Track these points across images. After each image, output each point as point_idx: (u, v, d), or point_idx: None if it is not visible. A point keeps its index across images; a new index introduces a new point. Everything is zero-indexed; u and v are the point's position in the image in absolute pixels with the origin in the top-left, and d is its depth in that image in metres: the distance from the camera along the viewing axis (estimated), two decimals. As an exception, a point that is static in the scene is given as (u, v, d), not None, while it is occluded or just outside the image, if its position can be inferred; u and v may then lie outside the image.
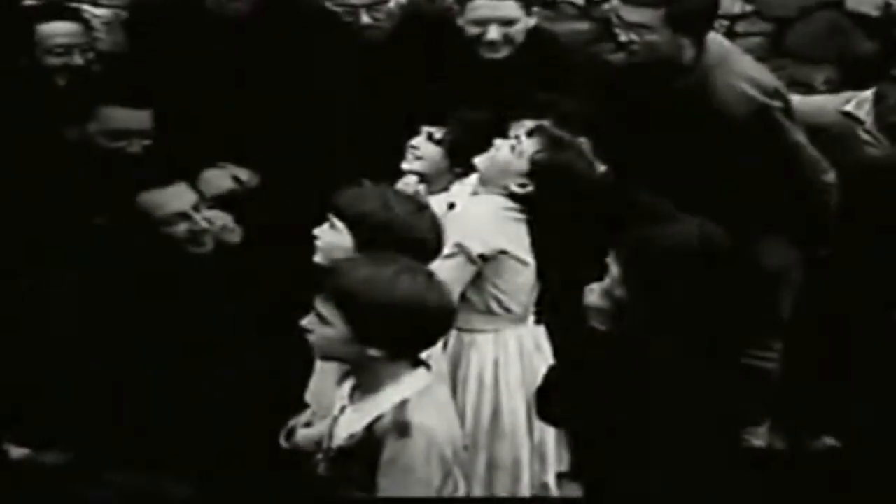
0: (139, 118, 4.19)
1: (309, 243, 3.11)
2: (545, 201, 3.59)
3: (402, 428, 2.69)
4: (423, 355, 2.82)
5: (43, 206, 4.00)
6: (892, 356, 4.23)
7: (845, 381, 4.34)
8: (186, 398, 3.75)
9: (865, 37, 5.14)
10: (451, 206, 3.75)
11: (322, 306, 2.74)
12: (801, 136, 4.01)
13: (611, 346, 2.97)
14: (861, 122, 4.21)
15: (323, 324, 2.74)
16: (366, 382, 2.79)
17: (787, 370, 4.32)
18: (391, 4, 4.29)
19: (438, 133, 3.98)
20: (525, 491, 3.58)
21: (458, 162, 3.92)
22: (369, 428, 2.74)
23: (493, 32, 4.11)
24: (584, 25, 4.91)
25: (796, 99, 4.17)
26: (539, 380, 3.24)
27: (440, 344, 3.13)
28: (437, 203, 3.57)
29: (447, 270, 3.34)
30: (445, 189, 3.97)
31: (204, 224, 3.99)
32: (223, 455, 3.74)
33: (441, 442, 2.70)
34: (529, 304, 3.71)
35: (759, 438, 4.36)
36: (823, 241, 4.13)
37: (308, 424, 3.08)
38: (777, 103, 3.94)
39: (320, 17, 4.38)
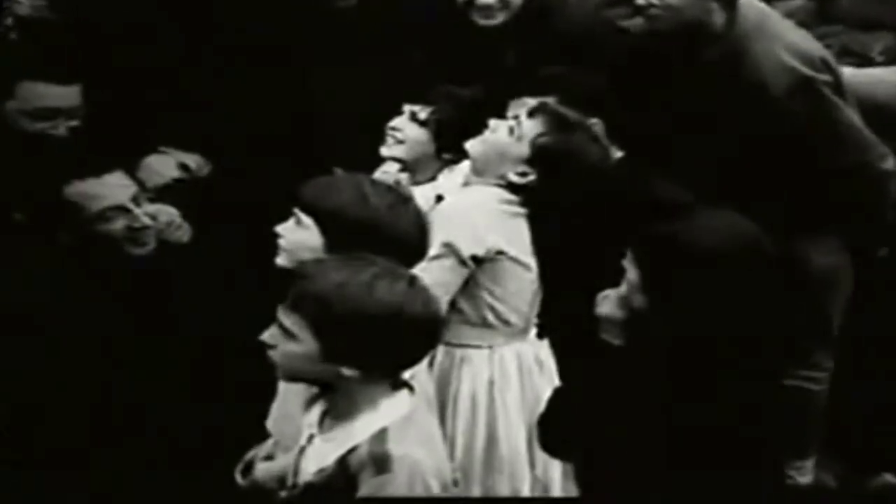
0: (66, 95, 4.22)
1: (270, 243, 3.14)
2: (549, 193, 3.64)
3: (380, 461, 2.72)
4: (406, 375, 2.86)
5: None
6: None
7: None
8: (122, 422, 3.78)
9: (931, -2, 5.18)
10: (439, 198, 3.79)
11: (286, 317, 2.78)
12: (852, 116, 4.03)
13: (627, 365, 3.01)
14: (926, 100, 4.25)
15: (287, 338, 2.78)
16: (338, 407, 2.83)
17: (837, 393, 4.35)
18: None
19: (423, 113, 4.02)
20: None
21: (447, 147, 3.97)
22: (342, 461, 2.77)
23: (488, -5, 4.17)
24: (595, -15, 4.93)
25: (847, 72, 4.19)
26: (542, 404, 3.28)
27: (425, 362, 3.17)
28: (422, 195, 3.62)
29: (434, 274, 3.39)
30: (432, 179, 4.02)
31: (145, 220, 4.02)
32: (166, 493, 3.77)
33: (427, 477, 2.73)
34: (531, 315, 3.76)
35: (804, 474, 4.39)
36: (879, 240, 4.16)
37: (269, 457, 3.11)
38: (824, 76, 3.96)
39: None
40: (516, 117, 3.71)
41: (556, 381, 3.69)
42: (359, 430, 2.78)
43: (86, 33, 4.33)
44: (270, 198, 3.29)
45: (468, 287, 3.63)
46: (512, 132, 3.65)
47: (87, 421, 3.78)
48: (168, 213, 4.12)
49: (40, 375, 3.78)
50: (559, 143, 3.62)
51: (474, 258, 3.60)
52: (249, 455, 3.14)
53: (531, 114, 3.68)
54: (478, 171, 3.72)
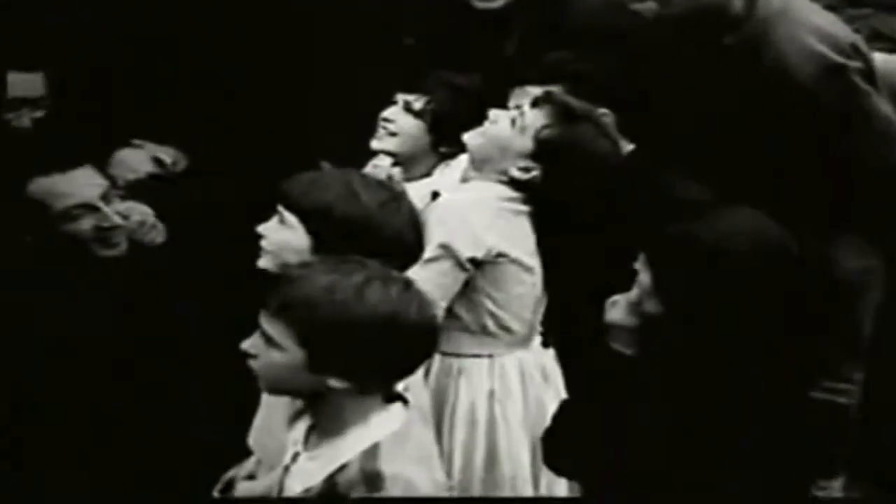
0: (29, 83, 4.22)
1: (252, 244, 3.15)
2: (554, 189, 3.65)
3: (372, 480, 2.73)
4: (399, 387, 2.87)
5: None
6: None
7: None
8: (93, 440, 3.80)
9: (969, -22, 5.20)
10: (435, 195, 3.80)
11: (269, 325, 2.79)
12: (884, 106, 4.04)
13: (638, 375, 3.02)
14: (964, 89, 4.26)
15: (270, 347, 2.79)
16: (325, 422, 2.84)
17: (868, 407, 4.36)
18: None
19: (418, 102, 4.03)
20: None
21: (444, 139, 3.98)
22: (330, 480, 2.78)
23: (488, -25, 4.18)
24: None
25: (879, 58, 4.20)
26: (546, 417, 3.30)
27: (420, 372, 3.18)
28: (416, 192, 3.62)
29: (429, 278, 3.41)
30: (427, 174, 4.03)
31: (116, 219, 4.02)
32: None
33: (422, 496, 2.74)
34: (534, 322, 3.78)
35: (833, 493, 4.40)
36: (913, 241, 4.19)
37: (251, 476, 3.13)
38: (854, 63, 3.98)
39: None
40: (519, 108, 3.72)
41: (562, 393, 3.71)
42: (348, 447, 2.79)
43: (51, 16, 4.33)
44: (252, 195, 3.30)
45: (466, 292, 3.64)
46: (514, 124, 3.66)
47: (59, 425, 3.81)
48: (141, 211, 4.11)
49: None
50: (565, 135, 3.63)
51: (473, 261, 3.61)
52: (230, 473, 3.15)
53: (535, 104, 3.68)
54: (477, 166, 3.73)
